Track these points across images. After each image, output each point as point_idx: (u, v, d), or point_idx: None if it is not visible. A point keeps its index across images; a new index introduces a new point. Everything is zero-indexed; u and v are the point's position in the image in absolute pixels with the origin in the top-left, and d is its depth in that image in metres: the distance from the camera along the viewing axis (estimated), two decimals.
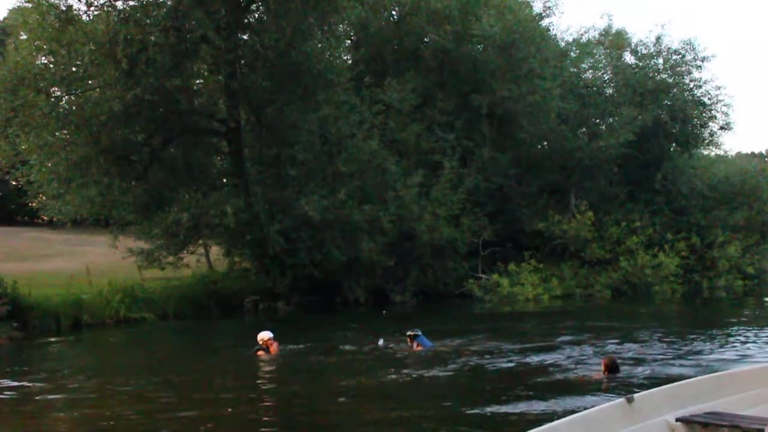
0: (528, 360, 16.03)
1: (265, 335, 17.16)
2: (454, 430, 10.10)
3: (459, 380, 14.03)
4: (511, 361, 16.01)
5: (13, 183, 37.88)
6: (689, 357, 16.10)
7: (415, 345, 17.11)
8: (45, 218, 35.95)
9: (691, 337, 19.29)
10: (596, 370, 13.95)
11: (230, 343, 21.84)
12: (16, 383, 15.91)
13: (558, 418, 7.82)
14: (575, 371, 14.29)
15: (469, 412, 11.37)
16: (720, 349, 17.23)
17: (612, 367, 13.62)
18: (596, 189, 36.21)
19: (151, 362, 18.54)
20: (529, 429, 7.36)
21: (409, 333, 17.43)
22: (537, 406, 11.34)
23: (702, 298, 31.87)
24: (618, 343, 17.98)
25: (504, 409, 11.53)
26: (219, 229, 29.44)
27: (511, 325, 24.43)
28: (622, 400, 8.24)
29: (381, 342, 18.18)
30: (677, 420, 8.30)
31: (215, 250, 33.54)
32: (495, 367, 15.41)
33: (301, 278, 30.41)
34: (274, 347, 17.06)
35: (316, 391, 13.87)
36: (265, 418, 11.82)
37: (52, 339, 22.15)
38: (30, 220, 50.63)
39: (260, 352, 16.92)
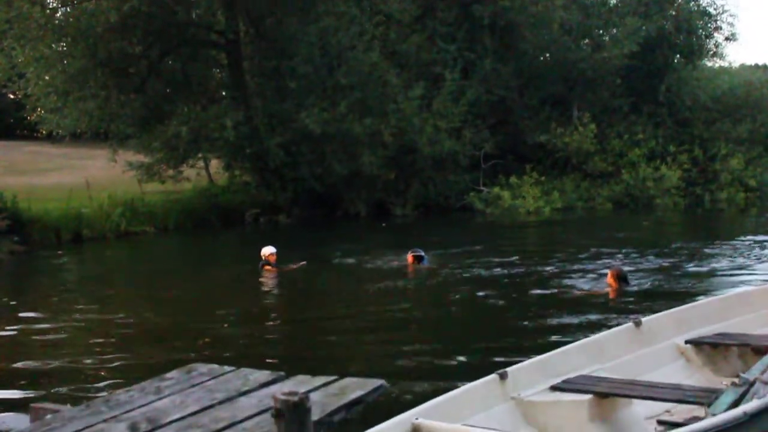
0: (532, 275, 15.86)
1: (266, 251, 16.98)
2: (460, 358, 9.89)
3: (461, 301, 13.82)
4: (515, 276, 15.86)
5: (11, 96, 37.44)
6: (692, 271, 15.96)
7: (418, 265, 16.77)
8: (43, 132, 35.51)
9: (696, 250, 19.16)
10: (603, 284, 13.77)
11: (231, 256, 21.77)
12: (19, 296, 15.88)
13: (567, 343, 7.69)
14: (581, 286, 14.13)
15: (475, 335, 11.22)
16: (724, 262, 17.11)
17: (620, 278, 13.43)
18: (599, 101, 35.69)
19: (152, 275, 18.47)
20: (538, 354, 7.23)
21: (412, 253, 16.97)
22: (545, 327, 11.17)
23: (704, 210, 31.70)
24: (622, 256, 17.84)
25: (511, 329, 11.39)
26: (219, 143, 29.21)
27: (513, 238, 24.36)
28: (630, 324, 8.12)
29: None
30: (686, 342, 8.18)
31: (215, 164, 33.32)
32: (499, 283, 15.24)
33: (301, 192, 30.27)
34: (273, 261, 16.91)
35: (316, 306, 13.76)
36: (264, 334, 11.71)
37: (53, 253, 22.01)
38: (29, 134, 50.12)
39: (265, 267, 16.78)
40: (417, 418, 5.54)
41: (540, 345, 7.58)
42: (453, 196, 32.69)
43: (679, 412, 6.36)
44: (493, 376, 6.52)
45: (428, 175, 32.03)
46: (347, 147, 29.65)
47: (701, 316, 8.66)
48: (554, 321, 11.42)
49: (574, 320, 11.05)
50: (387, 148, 30.12)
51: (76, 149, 39.55)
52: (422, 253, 16.82)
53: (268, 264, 16.78)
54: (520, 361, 6.89)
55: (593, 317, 11.30)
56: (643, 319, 8.15)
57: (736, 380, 6.43)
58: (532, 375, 6.78)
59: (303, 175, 29.64)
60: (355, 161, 29.63)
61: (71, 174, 33.17)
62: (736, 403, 5.85)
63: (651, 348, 7.96)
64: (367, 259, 18.36)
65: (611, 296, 12.98)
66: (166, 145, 29.62)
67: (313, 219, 29.83)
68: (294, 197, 30.21)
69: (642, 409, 6.64)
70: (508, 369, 6.64)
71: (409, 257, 16.79)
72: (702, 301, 9.39)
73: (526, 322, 11.61)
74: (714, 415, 5.58)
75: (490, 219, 29.84)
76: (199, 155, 32.00)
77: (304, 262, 17.13)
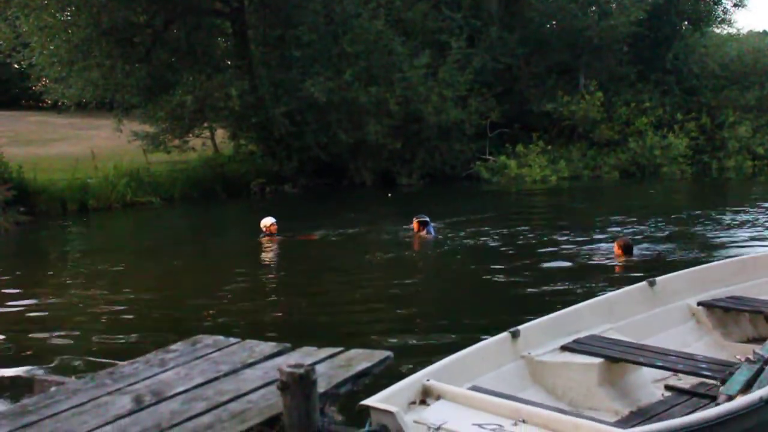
0: (539, 244, 15.81)
1: (266, 222, 16.90)
2: (467, 324, 9.85)
3: (468, 270, 13.78)
4: (522, 245, 15.81)
5: (15, 66, 37.23)
6: (703, 238, 15.92)
7: (423, 231, 16.69)
8: (49, 102, 35.38)
9: (704, 217, 19.09)
10: (610, 253, 13.74)
11: (237, 226, 21.71)
12: (24, 267, 15.87)
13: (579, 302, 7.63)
14: (589, 254, 14.09)
15: (482, 304, 11.17)
16: (733, 229, 17.06)
17: (626, 249, 13.40)
18: (606, 69, 35.45)
19: (157, 246, 18.43)
20: (550, 312, 7.19)
21: (416, 219, 16.88)
22: (552, 295, 11.13)
23: (711, 178, 31.57)
24: (629, 225, 17.77)
25: (519, 297, 11.35)
26: (224, 112, 29.19)
27: (520, 206, 24.29)
28: (644, 283, 8.07)
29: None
30: (699, 304, 8.14)
31: (220, 133, 33.22)
32: (505, 252, 15.20)
33: (307, 161, 30.22)
34: (274, 230, 16.83)
35: (321, 277, 13.71)
36: (268, 306, 11.67)
37: (59, 223, 22.00)
38: (34, 104, 50.00)
39: (265, 238, 16.71)
40: (428, 380, 5.50)
41: (547, 312, 7.51)
42: (459, 165, 32.60)
43: (687, 378, 6.33)
44: (504, 335, 6.51)
45: (434, 144, 31.90)
46: (352, 116, 29.57)
47: (715, 277, 8.61)
48: (561, 288, 11.38)
49: (580, 288, 11.02)
50: (392, 117, 29.96)
51: (81, 119, 39.40)
52: (427, 219, 16.71)
53: (270, 234, 16.72)
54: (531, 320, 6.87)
55: (599, 285, 11.28)
56: (658, 279, 8.11)
57: (751, 356, 6.38)
58: (543, 334, 6.77)
59: (308, 145, 29.59)
60: (361, 130, 29.54)
61: (77, 144, 33.12)
62: (749, 383, 5.80)
63: (663, 308, 7.96)
64: (372, 229, 18.32)
65: (617, 266, 12.95)
66: (171, 114, 29.52)
67: (318, 188, 29.79)
68: (299, 167, 30.14)
69: (650, 372, 6.64)
70: (520, 327, 6.63)
71: (414, 223, 16.69)
72: (716, 263, 9.29)
73: (533, 290, 11.59)
74: (729, 396, 5.55)
75: (496, 188, 29.72)
76: (205, 125, 31.89)
77: (315, 236, 17.20)
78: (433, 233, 16.67)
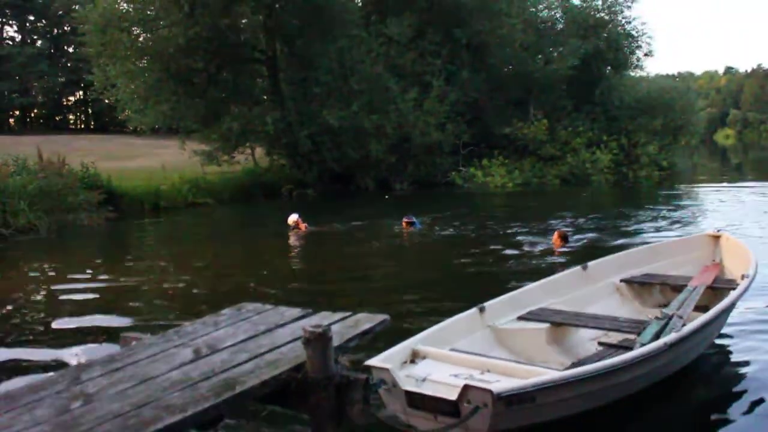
0: (499, 234, 15.83)
1: (293, 217, 16.88)
2: (446, 298, 9.87)
3: (445, 256, 13.75)
4: (486, 235, 15.82)
5: (106, 101, 37.07)
6: (623, 230, 15.93)
7: (411, 228, 16.64)
8: (130, 128, 35.27)
9: (622, 214, 19.12)
10: (550, 242, 13.74)
11: (271, 221, 21.73)
12: (113, 252, 15.89)
13: (527, 283, 7.65)
14: (537, 243, 14.09)
15: (457, 282, 11.18)
16: (645, 223, 17.07)
17: (564, 238, 13.42)
18: (550, 101, 35.35)
19: (212, 236, 18.51)
20: (509, 291, 7.19)
21: (405, 219, 16.86)
22: (509, 273, 11.13)
23: (628, 185, 31.53)
24: (567, 220, 17.78)
25: (485, 276, 11.36)
26: (261, 135, 29.27)
27: (485, 206, 24.30)
28: (578, 267, 8.09)
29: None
30: (621, 281, 8.17)
31: (259, 151, 33.15)
32: (474, 241, 15.23)
33: (324, 171, 30.21)
34: (303, 226, 16.82)
35: (334, 260, 13.72)
36: (295, 281, 11.68)
37: (139, 220, 22.00)
38: (119, 129, 50.05)
39: (294, 230, 16.71)
40: (416, 345, 5.53)
41: (506, 288, 7.52)
42: (439, 174, 32.44)
43: (615, 336, 6.37)
44: (474, 310, 6.51)
45: (420, 159, 31.80)
46: (359, 137, 29.51)
47: (633, 261, 8.63)
48: (516, 270, 11.40)
49: (531, 271, 10.99)
50: (389, 138, 29.91)
51: (155, 140, 39.44)
52: (414, 219, 16.74)
53: (295, 228, 16.71)
54: (495, 297, 6.87)
55: (544, 266, 11.29)
56: (589, 264, 8.14)
57: (659, 314, 6.42)
58: (504, 308, 6.78)
59: (325, 159, 29.61)
60: (365, 148, 29.53)
61: (151, 159, 33.02)
62: (657, 334, 5.85)
63: (594, 286, 7.96)
64: (373, 223, 18.34)
65: (556, 251, 12.97)
66: (222, 137, 29.71)
67: (332, 192, 29.76)
68: (318, 176, 30.12)
69: (587, 333, 6.67)
70: (486, 303, 6.63)
71: (404, 223, 16.67)
72: (633, 249, 9.36)
73: (495, 271, 11.60)
74: (642, 344, 5.60)
75: (467, 191, 29.75)
76: (247, 144, 31.85)
77: (327, 228, 17.23)
78: (418, 226, 16.70)
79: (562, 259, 11.89)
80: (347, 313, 5.41)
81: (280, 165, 31.82)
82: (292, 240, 16.16)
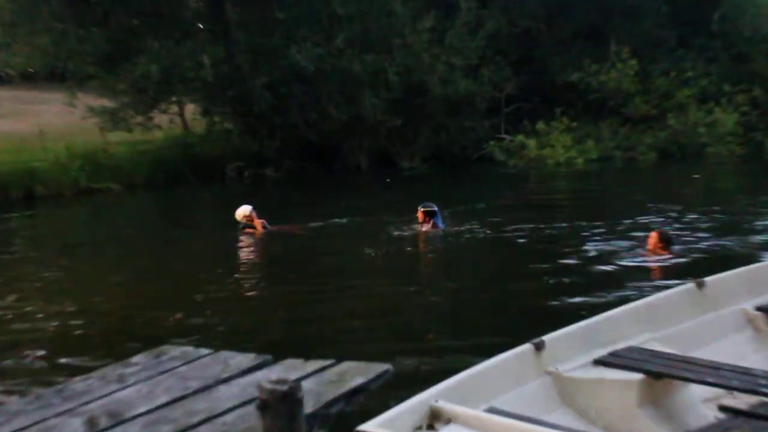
0: (564, 238, 15.71)
1: (244, 211, 16.79)
2: (481, 336, 9.78)
3: (480, 269, 13.68)
4: (544, 239, 15.73)
5: None
6: (759, 231, 15.82)
7: (429, 224, 16.48)
8: None
9: (756, 205, 19.05)
10: (644, 248, 13.66)
11: (210, 217, 21.69)
12: None
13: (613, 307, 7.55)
14: (623, 250, 13.99)
15: (498, 311, 11.06)
16: None
17: (666, 241, 13.33)
18: (641, 33, 35.32)
19: (116, 240, 18.41)
20: (580, 320, 7.10)
21: (422, 208, 16.67)
22: (585, 293, 11.03)
23: (766, 160, 31.51)
24: (669, 214, 17.71)
25: (543, 297, 11.24)
26: (195, 84, 29.29)
27: (541, 194, 24.23)
28: (691, 284, 7.96)
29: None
30: (757, 309, 8.05)
31: (191, 109, 33.21)
32: (524, 248, 15.12)
33: (292, 141, 30.37)
34: (259, 224, 16.73)
35: (309, 277, 13.64)
36: (247, 311, 11.57)
37: (5, 215, 21.91)
38: None
39: (247, 230, 16.65)
40: (436, 401, 5.44)
41: (575, 315, 7.43)
42: (470, 145, 32.66)
43: (746, 399, 6.28)
44: (526, 347, 6.39)
45: (440, 122, 31.96)
46: (345, 88, 29.63)
47: None
48: (591, 291, 11.24)
49: (614, 291, 10.83)
50: (392, 90, 30.03)
51: (27, 92, 39.32)
52: (435, 208, 16.48)
53: (248, 226, 16.63)
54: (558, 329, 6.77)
55: (637, 287, 11.18)
56: (707, 280, 7.99)
57: None
58: (573, 345, 6.68)
59: (294, 122, 29.76)
60: (355, 105, 29.65)
61: (22, 121, 32.95)
62: None
63: (714, 314, 7.82)
64: (369, 221, 18.25)
65: (657, 263, 12.87)
66: (134, 87, 29.73)
67: (305, 173, 29.81)
68: (283, 147, 30.25)
69: (702, 391, 6.57)
70: (545, 337, 6.52)
71: (420, 213, 16.51)
72: None
73: (558, 293, 11.41)
74: None
75: (513, 172, 29.73)
76: (172, 99, 31.99)
77: (300, 229, 17.18)
78: (441, 225, 16.55)
79: (664, 276, 11.84)
80: (327, 362, 5.31)
81: (224, 131, 32.03)
82: (243, 246, 16.04)
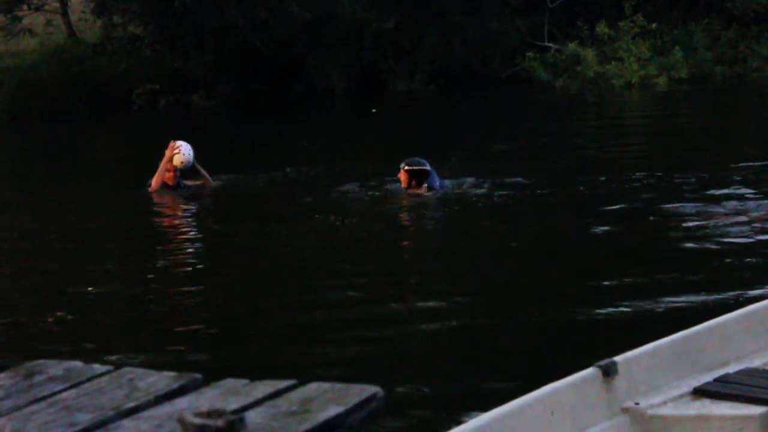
0: (640, 202, 15.70)
1: (184, 154, 16.61)
2: (526, 347, 9.85)
3: (510, 249, 13.57)
4: (605, 205, 15.67)
5: None
6: None
7: (421, 189, 16.20)
8: None
9: None
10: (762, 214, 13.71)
11: (109, 165, 21.73)
12: None
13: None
14: (730, 225, 13.96)
15: (547, 308, 11.09)
16: None
17: None
18: None
19: None
20: (668, 333, 7.10)
21: (406, 166, 16.35)
22: (673, 291, 11.05)
23: None
24: None
25: (610, 296, 11.24)
26: None
27: (602, 131, 24.29)
28: None
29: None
30: None
31: (79, 5, 33.12)
32: (576, 217, 15.08)
33: (232, 53, 30.33)
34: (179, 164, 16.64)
35: (255, 257, 13.70)
36: (164, 307, 11.58)
37: None
38: None
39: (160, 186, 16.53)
40: None
41: (659, 326, 7.50)
42: (497, 57, 32.66)
43: None
44: (590, 372, 6.36)
45: (453, 22, 31.93)
46: None
47: None
48: (683, 287, 11.25)
49: (717, 288, 10.85)
50: None
51: None
52: (426, 166, 16.17)
53: (173, 181, 16.58)
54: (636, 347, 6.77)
55: (747, 276, 11.25)
56: None
57: None
58: (660, 369, 6.72)
59: (233, 24, 29.64)
60: None
61: None
62: None
63: None
64: (340, 174, 18.24)
65: None
66: None
67: (250, 99, 29.83)
68: (218, 63, 30.27)
69: None
70: (617, 358, 6.51)
71: (401, 173, 16.17)
72: None
73: (632, 291, 11.42)
74: None
75: (560, 97, 29.82)
76: None
77: (217, 182, 17.17)
78: (438, 186, 16.25)
79: None
80: (284, 383, 5.34)
81: (129, 39, 31.98)
82: (158, 209, 16.16)
